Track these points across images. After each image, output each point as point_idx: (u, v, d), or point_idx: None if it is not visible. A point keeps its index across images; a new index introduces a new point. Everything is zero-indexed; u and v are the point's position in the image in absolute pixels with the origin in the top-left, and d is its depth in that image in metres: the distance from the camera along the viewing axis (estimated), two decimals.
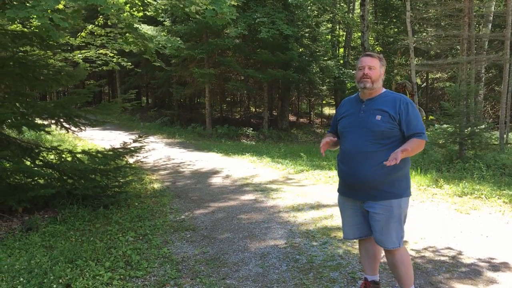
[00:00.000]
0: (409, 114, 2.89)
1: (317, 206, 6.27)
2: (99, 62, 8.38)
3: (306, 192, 7.22)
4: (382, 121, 2.89)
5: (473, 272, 3.83)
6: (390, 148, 2.88)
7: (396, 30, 27.16)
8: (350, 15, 25.97)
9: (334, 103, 27.71)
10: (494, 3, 15.27)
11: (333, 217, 5.64)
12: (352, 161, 2.99)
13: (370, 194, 2.96)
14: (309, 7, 20.48)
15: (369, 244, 3.24)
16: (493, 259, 4.13)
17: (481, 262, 4.05)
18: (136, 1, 6.91)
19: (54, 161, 6.23)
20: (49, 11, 3.53)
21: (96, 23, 8.07)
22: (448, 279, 3.69)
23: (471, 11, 11.78)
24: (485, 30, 15.24)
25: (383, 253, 3.26)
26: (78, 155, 6.38)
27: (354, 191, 3.05)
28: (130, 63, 8.85)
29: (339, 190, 3.25)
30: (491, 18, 15.27)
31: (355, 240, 4.68)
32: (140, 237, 4.90)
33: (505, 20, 13.32)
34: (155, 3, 6.53)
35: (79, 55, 8.22)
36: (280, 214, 5.89)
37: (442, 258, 4.17)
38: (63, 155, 6.20)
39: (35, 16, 3.49)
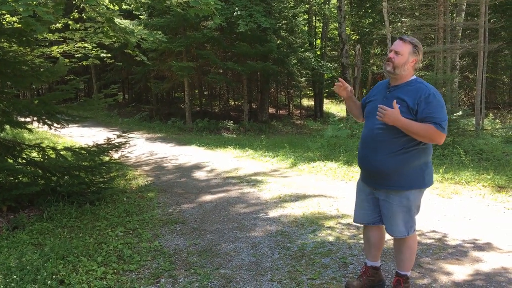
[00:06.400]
0: (428, 105, 2.77)
1: (303, 196, 6.34)
2: (78, 55, 8.24)
3: (291, 183, 7.30)
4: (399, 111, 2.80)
5: (459, 253, 3.97)
6: (403, 138, 2.84)
7: (371, 20, 27.42)
8: (327, 6, 26.07)
9: (312, 94, 27.88)
10: None
11: (320, 206, 5.73)
12: (366, 147, 3.02)
13: (381, 182, 2.98)
14: None
15: (372, 233, 3.26)
16: (477, 240, 4.28)
17: (466, 243, 4.19)
18: None
19: (37, 158, 6.14)
20: (33, 3, 3.47)
21: (71, 17, 7.93)
22: (435, 260, 3.82)
23: (446, 0, 11.99)
24: (459, 19, 15.54)
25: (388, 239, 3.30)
26: (62, 152, 6.30)
27: (368, 178, 3.09)
28: (110, 55, 8.72)
29: (360, 175, 3.28)
30: (464, 6, 15.58)
31: (343, 227, 4.81)
32: (130, 232, 4.89)
33: (478, 9, 13.63)
34: None
35: (57, 50, 8.07)
36: (268, 204, 5.95)
37: (429, 241, 4.30)
38: (46, 152, 6.12)
39: (21, 10, 3.42)
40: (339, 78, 3.21)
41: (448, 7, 13.11)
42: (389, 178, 2.92)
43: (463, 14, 15.80)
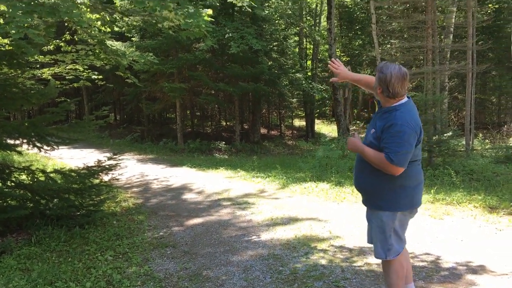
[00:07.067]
0: (386, 135, 2.78)
1: (295, 218, 6.30)
2: (69, 77, 8.23)
3: (283, 204, 7.26)
4: (372, 136, 2.91)
5: (452, 275, 3.94)
6: None
7: (360, 42, 27.84)
8: (317, 29, 26.43)
9: (304, 114, 28.04)
10: (454, 14, 15.90)
11: (312, 228, 5.70)
12: (355, 165, 3.14)
13: (365, 199, 3.09)
14: (276, 21, 20.78)
15: None
16: (470, 262, 4.25)
17: (459, 266, 4.17)
18: (107, 18, 6.87)
19: (26, 181, 6.07)
20: (25, 25, 3.47)
21: (63, 39, 7.94)
22: (429, 283, 3.78)
23: (434, 23, 12.22)
24: (447, 41, 15.82)
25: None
26: (51, 175, 6.23)
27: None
28: (101, 77, 8.71)
29: None
30: (452, 29, 15.88)
31: (336, 250, 4.77)
32: (120, 256, 4.81)
33: (465, 31, 13.89)
34: (127, 19, 6.51)
35: (48, 72, 8.05)
36: (259, 226, 5.90)
37: (422, 264, 4.27)
38: (36, 175, 6.04)
39: (12, 32, 3.42)
40: (332, 59, 3.31)
41: (436, 30, 13.35)
42: (369, 197, 3.03)
43: (451, 36, 16.08)
